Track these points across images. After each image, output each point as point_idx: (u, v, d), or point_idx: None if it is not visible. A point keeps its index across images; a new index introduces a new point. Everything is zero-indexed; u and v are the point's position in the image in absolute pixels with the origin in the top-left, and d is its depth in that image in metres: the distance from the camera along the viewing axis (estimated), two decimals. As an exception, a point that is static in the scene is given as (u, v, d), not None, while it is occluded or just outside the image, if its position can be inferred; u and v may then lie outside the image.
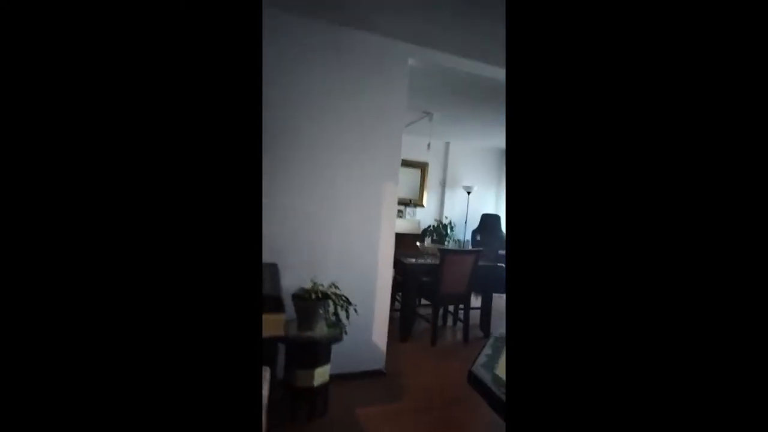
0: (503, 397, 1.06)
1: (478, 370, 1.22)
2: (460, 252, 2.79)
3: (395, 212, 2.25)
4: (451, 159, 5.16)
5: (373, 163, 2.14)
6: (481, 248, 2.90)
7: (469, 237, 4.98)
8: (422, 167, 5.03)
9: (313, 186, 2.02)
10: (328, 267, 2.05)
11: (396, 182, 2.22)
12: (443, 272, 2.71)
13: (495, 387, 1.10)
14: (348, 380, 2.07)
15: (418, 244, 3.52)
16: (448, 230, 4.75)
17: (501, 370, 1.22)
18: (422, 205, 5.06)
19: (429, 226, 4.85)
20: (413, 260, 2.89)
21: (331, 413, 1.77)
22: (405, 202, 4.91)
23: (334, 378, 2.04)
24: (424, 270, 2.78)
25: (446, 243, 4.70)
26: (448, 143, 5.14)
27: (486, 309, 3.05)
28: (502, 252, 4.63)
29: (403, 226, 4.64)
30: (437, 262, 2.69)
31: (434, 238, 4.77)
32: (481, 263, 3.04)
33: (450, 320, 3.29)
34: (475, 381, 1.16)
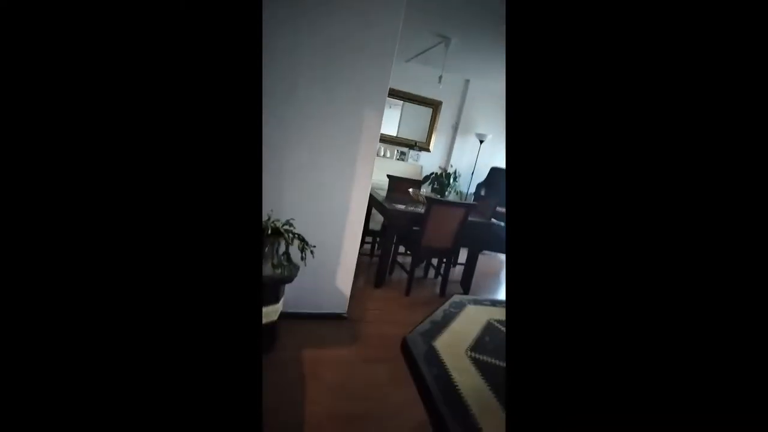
0: (432, 377, 0.89)
1: (414, 338, 1.05)
2: (448, 204, 2.52)
3: (375, 148, 1.96)
4: (468, 100, 4.61)
5: (349, 85, 1.79)
6: (474, 202, 2.63)
7: (473, 190, 4.66)
8: (434, 106, 4.53)
9: (282, 109, 1.72)
10: (292, 203, 1.84)
11: (380, 112, 1.89)
12: (427, 223, 2.49)
13: (425, 364, 0.93)
14: (306, 321, 2.00)
15: (410, 190, 3.25)
16: (451, 180, 4.43)
17: (442, 344, 1.05)
18: (428, 150, 4.67)
19: (432, 174, 4.54)
20: (400, 207, 2.66)
21: (279, 352, 1.71)
22: (409, 144, 4.53)
23: (292, 318, 1.97)
24: (409, 218, 2.57)
25: (446, 194, 4.42)
26: (467, 81, 4.55)
27: (470, 266, 2.88)
28: (501, 209, 4.35)
29: (403, 169, 4.33)
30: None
31: (435, 186, 4.48)
32: (473, 219, 2.79)
33: (432, 273, 3.17)
34: (406, 351, 1.00)
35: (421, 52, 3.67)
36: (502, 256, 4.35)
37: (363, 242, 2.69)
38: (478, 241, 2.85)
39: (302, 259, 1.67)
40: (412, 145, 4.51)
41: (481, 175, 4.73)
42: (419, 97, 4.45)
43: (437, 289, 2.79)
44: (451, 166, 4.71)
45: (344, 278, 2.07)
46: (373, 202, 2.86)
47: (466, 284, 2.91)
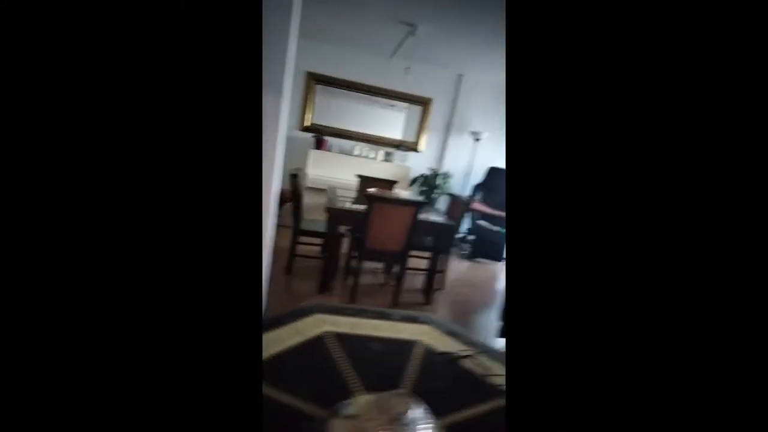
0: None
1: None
2: (391, 201, 2.23)
3: (277, 137, 1.75)
4: (462, 96, 4.26)
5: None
6: (422, 200, 2.31)
7: (470, 192, 4.26)
8: (425, 104, 4.25)
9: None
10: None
11: (278, 97, 1.69)
12: (369, 223, 2.22)
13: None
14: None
15: (371, 190, 2.98)
16: (440, 181, 4.09)
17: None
18: (416, 150, 4.37)
19: (420, 175, 4.23)
20: (347, 206, 2.42)
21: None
22: (395, 144, 4.27)
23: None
24: (360, 218, 2.31)
25: (435, 196, 4.07)
26: (461, 76, 4.22)
27: (430, 272, 2.53)
28: (498, 212, 3.89)
29: (386, 171, 4.07)
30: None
31: (423, 188, 4.16)
32: (436, 219, 2.47)
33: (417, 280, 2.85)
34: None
35: (399, 46, 3.44)
36: (496, 265, 3.88)
37: (298, 243, 2.48)
38: (437, 244, 2.51)
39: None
40: (398, 145, 4.24)
41: (479, 176, 4.31)
42: (408, 94, 4.20)
43: (397, 297, 2.47)
44: (444, 167, 4.37)
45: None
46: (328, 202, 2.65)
47: (427, 293, 2.56)
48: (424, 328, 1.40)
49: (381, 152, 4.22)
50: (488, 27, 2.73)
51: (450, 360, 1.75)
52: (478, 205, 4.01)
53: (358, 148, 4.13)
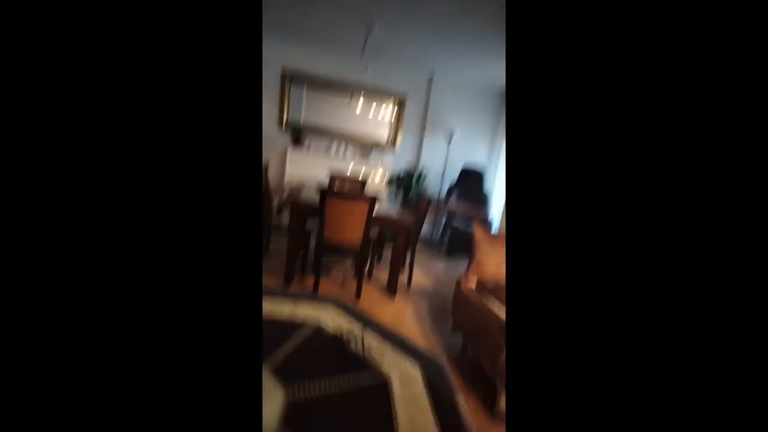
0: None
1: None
2: (343, 196, 2.30)
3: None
4: (435, 94, 4.34)
5: None
6: (372, 196, 2.37)
7: (445, 194, 4.33)
8: (399, 102, 4.32)
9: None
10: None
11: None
12: (324, 217, 2.28)
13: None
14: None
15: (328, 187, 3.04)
16: (415, 182, 4.16)
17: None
18: (393, 150, 4.45)
19: (396, 175, 4.30)
20: (307, 200, 2.48)
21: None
22: (371, 143, 4.34)
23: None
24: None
25: (410, 197, 4.14)
26: (431, 79, 4.29)
27: (394, 266, 2.60)
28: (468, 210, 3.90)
29: (356, 169, 4.14)
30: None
31: (398, 190, 4.23)
32: (395, 215, 2.53)
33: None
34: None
35: (365, 44, 3.52)
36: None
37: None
38: (403, 241, 2.57)
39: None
40: (373, 145, 4.31)
41: (454, 176, 4.38)
42: (380, 91, 4.27)
43: (366, 289, 2.53)
44: (421, 167, 4.44)
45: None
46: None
47: (391, 286, 2.62)
48: (328, 307, 1.43)
49: (357, 151, 4.28)
50: (458, 22, 2.81)
51: (332, 340, 1.83)
52: (452, 206, 4.08)
53: (335, 146, 4.20)
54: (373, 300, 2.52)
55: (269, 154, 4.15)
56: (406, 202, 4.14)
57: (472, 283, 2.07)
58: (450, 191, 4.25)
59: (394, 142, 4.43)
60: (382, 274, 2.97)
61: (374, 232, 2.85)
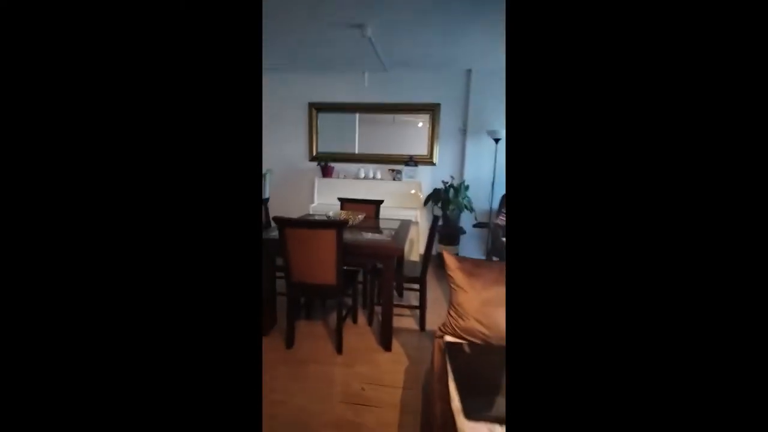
0: None
1: None
2: (302, 224, 1.86)
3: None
4: (473, 95, 3.63)
5: None
6: (340, 219, 1.87)
7: (498, 204, 3.49)
8: (432, 111, 3.76)
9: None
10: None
11: None
12: (287, 253, 1.90)
13: None
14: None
15: (331, 213, 2.65)
16: (452, 194, 3.45)
17: None
18: (432, 162, 3.85)
19: (433, 191, 3.67)
20: (271, 235, 2.16)
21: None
22: (403, 160, 3.85)
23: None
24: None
25: (451, 211, 3.44)
26: (468, 71, 3.62)
27: (386, 311, 2.00)
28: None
29: (396, 190, 3.68)
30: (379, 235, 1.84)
31: (438, 205, 3.59)
32: (380, 239, 1.99)
33: (365, 317, 2.38)
34: None
35: (376, 54, 3.16)
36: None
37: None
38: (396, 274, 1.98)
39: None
40: (407, 161, 3.81)
41: (504, 183, 3.49)
42: (409, 105, 3.81)
43: (353, 341, 2.03)
44: (451, 177, 3.71)
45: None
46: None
47: (385, 339, 2.02)
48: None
49: (389, 171, 3.86)
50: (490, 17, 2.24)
51: None
52: (501, 220, 3.21)
53: (363, 170, 3.87)
54: (360, 355, 1.96)
55: (298, 186, 4.09)
56: (445, 219, 3.45)
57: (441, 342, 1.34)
58: (502, 202, 3.38)
59: (431, 154, 3.85)
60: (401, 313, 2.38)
61: (371, 262, 2.31)
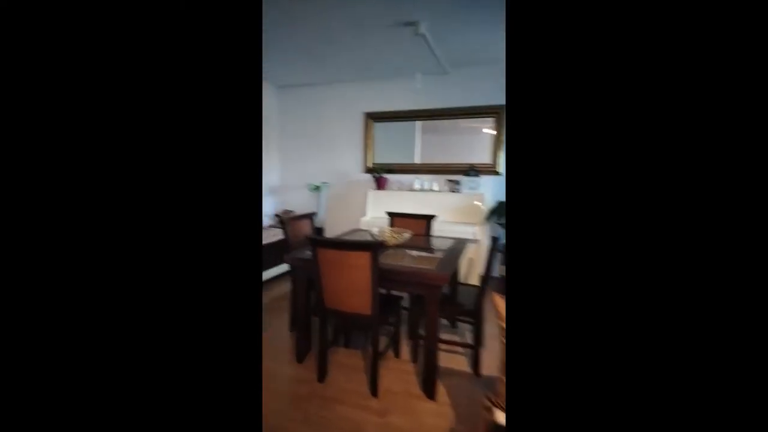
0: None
1: None
2: (335, 244, 1.64)
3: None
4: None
5: None
6: (381, 242, 1.59)
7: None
8: (497, 114, 3.33)
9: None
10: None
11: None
12: (320, 277, 1.71)
13: None
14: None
15: (375, 230, 2.40)
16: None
17: None
18: (496, 172, 3.39)
19: (498, 203, 3.21)
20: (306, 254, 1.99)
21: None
22: (463, 170, 3.46)
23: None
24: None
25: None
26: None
27: (429, 354, 1.67)
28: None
29: (456, 203, 3.33)
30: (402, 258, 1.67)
31: (499, 220, 3.12)
32: (421, 267, 1.69)
33: (410, 350, 2.06)
34: None
35: (434, 57, 2.88)
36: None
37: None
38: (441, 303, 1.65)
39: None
40: (466, 171, 3.41)
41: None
42: (470, 109, 3.43)
43: (395, 382, 1.76)
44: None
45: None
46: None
47: (428, 387, 1.69)
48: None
49: (445, 182, 3.51)
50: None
51: None
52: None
53: (419, 181, 3.59)
54: (397, 401, 1.66)
55: (352, 199, 3.98)
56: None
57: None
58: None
59: (495, 162, 3.40)
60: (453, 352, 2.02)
61: (413, 290, 2.01)
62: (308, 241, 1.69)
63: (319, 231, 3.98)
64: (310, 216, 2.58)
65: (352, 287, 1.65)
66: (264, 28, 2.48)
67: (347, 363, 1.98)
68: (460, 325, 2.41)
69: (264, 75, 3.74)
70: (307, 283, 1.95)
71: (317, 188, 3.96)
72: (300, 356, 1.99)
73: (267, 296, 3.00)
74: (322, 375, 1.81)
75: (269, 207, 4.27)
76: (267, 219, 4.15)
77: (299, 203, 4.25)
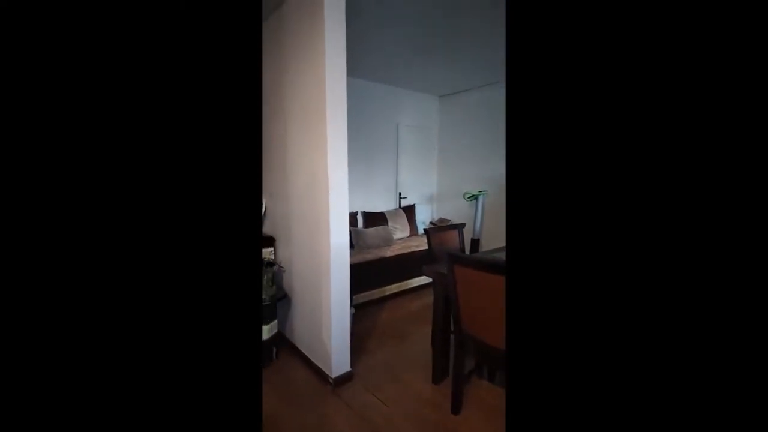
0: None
1: None
2: (471, 262, 1.35)
3: (343, 190, 1.76)
4: None
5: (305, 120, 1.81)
6: None
7: None
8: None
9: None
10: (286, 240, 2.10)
11: (342, 143, 1.72)
12: (456, 295, 1.52)
13: None
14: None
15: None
16: None
17: None
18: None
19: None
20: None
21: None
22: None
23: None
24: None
25: None
26: None
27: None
28: None
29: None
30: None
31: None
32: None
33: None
34: None
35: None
36: None
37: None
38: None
39: (271, 281, 1.93)
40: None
41: None
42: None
43: None
44: None
45: (326, 335, 1.85)
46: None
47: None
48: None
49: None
50: None
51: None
52: None
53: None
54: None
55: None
56: None
57: None
58: None
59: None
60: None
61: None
62: (447, 257, 1.54)
63: (475, 243, 3.73)
64: (458, 226, 2.41)
65: (490, 314, 1.38)
66: (424, 39, 2.51)
67: (488, 401, 1.69)
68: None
69: (425, 86, 3.84)
70: (445, 299, 1.79)
71: (473, 197, 3.73)
72: (436, 377, 1.85)
73: (415, 304, 3.02)
74: (456, 406, 1.61)
75: (425, 215, 4.35)
76: (422, 226, 4.24)
77: (456, 212, 4.13)
